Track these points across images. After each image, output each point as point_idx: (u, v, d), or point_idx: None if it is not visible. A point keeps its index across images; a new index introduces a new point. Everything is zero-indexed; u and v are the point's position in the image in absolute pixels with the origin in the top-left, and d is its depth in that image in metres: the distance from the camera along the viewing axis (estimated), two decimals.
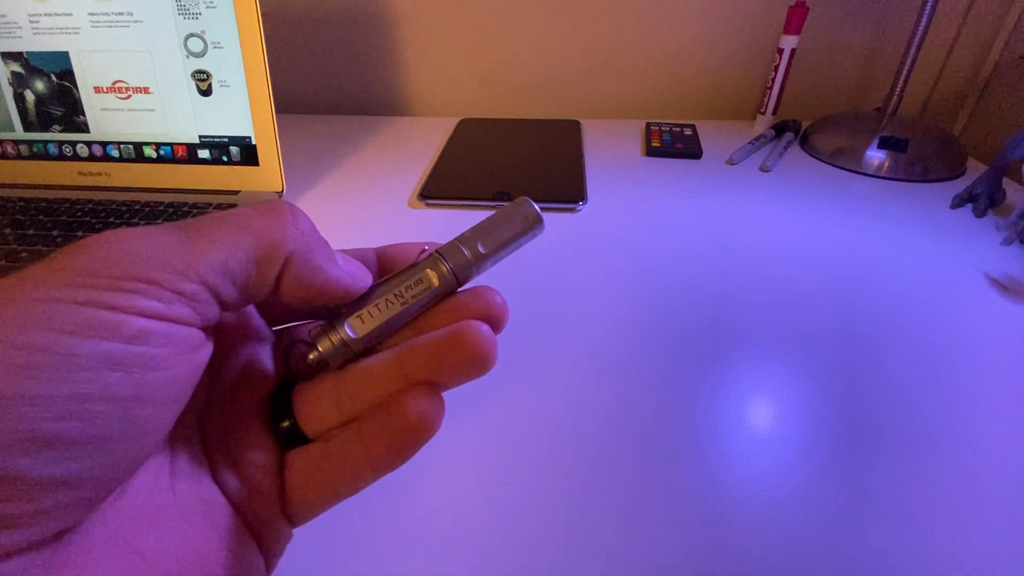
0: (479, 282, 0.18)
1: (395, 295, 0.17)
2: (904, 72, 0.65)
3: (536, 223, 0.18)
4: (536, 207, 0.18)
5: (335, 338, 0.17)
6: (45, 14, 0.53)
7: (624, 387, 0.35)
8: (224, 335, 0.17)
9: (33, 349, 0.11)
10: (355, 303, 0.17)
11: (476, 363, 0.16)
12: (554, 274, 0.46)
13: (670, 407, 0.34)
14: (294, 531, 0.17)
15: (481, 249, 0.18)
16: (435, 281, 0.17)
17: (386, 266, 0.19)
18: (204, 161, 0.57)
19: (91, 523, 0.13)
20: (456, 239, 0.18)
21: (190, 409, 0.16)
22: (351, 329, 0.17)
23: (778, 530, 0.27)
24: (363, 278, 0.17)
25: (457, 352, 0.16)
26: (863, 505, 0.28)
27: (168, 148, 0.57)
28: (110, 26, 0.53)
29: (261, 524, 0.16)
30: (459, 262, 0.17)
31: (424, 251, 0.18)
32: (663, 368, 0.37)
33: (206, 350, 0.14)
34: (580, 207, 0.56)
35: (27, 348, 0.11)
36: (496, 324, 0.17)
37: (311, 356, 0.17)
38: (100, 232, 0.13)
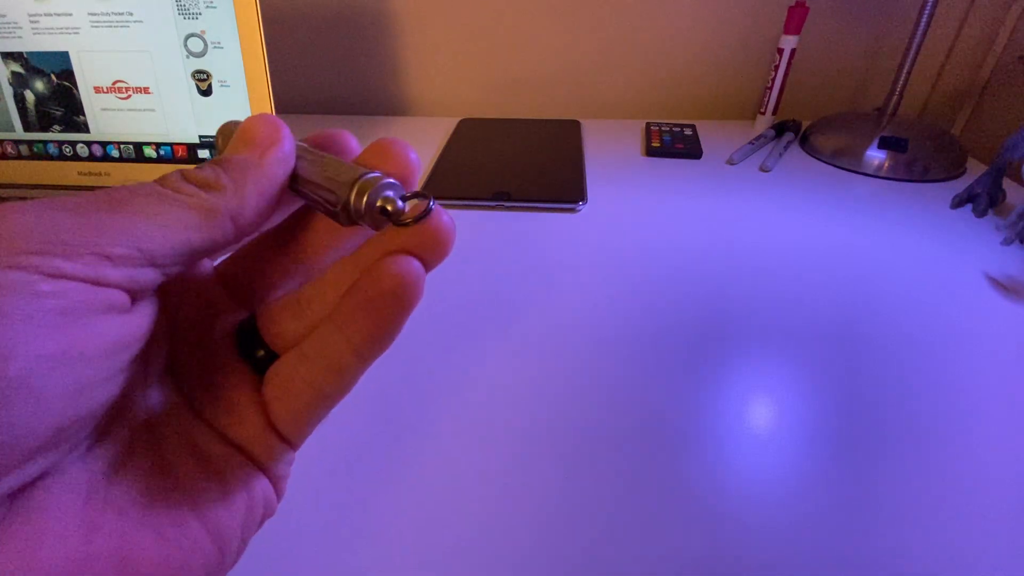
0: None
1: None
2: (904, 72, 0.65)
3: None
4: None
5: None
6: (45, 14, 0.53)
7: (624, 387, 0.35)
8: (171, 284, 0.16)
9: None
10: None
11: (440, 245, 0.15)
12: (554, 274, 0.46)
13: (670, 407, 0.34)
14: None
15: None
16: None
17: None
18: (204, 161, 0.57)
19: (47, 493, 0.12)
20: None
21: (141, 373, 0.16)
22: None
23: (778, 530, 0.27)
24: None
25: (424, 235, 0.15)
26: (863, 504, 0.28)
27: (168, 148, 0.57)
28: (110, 26, 0.53)
29: (257, 449, 0.16)
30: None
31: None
32: (663, 368, 0.37)
33: (140, 314, 0.14)
34: (580, 207, 0.56)
35: None
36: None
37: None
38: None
